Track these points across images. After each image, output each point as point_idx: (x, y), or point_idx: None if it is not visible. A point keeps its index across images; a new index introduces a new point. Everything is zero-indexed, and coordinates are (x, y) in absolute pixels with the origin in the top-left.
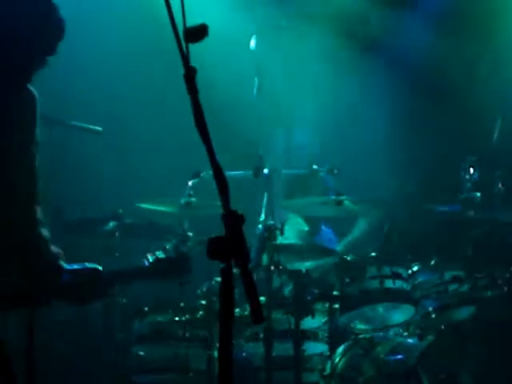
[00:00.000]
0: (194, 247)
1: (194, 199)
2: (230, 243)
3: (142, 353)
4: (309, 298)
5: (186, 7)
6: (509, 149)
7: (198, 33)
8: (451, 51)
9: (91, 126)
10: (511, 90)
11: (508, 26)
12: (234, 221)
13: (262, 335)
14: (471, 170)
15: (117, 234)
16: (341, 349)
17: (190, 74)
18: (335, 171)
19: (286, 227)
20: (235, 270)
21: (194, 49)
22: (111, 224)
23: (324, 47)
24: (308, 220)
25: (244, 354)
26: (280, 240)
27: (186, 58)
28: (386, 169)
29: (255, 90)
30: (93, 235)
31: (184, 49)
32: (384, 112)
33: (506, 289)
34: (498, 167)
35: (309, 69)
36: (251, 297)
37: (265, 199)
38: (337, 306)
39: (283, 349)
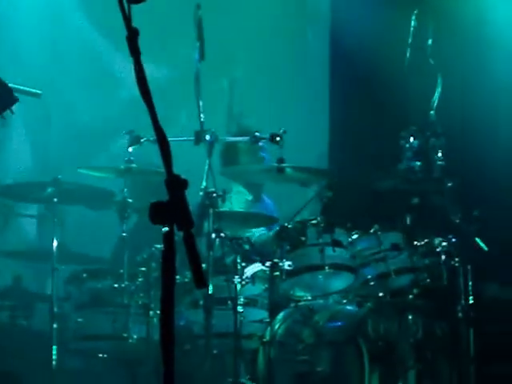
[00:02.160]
0: (134, 214)
1: (134, 165)
2: (173, 208)
3: (80, 320)
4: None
5: None
6: (449, 116)
7: None
8: (391, 21)
9: (30, 89)
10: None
11: None
12: (176, 185)
13: (201, 302)
14: (411, 139)
15: (55, 199)
16: (280, 316)
17: (132, 36)
18: (277, 139)
19: (228, 195)
20: (176, 237)
21: None
22: (49, 189)
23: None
24: (250, 188)
25: (183, 322)
26: (221, 207)
27: (128, 19)
28: (328, 138)
29: (197, 55)
30: (29, 200)
31: (126, 10)
32: (322, 81)
33: (443, 257)
34: (437, 136)
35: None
36: (193, 261)
37: (206, 166)
38: (277, 273)
39: (223, 316)
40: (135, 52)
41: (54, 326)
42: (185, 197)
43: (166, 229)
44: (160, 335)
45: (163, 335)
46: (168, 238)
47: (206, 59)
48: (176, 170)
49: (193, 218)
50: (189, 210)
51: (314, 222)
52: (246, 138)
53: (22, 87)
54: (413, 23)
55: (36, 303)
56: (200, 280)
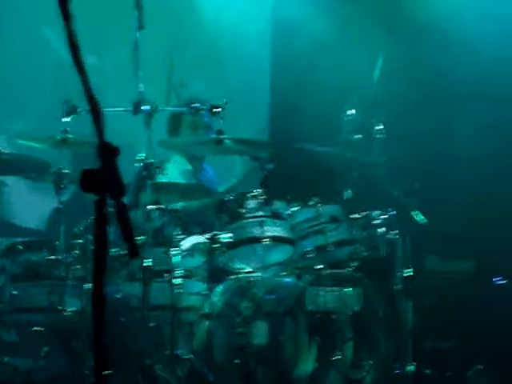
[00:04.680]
0: (71, 185)
1: (70, 135)
2: (104, 175)
3: (15, 292)
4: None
5: None
6: (390, 90)
7: None
8: None
9: None
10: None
11: None
12: (107, 152)
13: (139, 275)
14: (352, 112)
15: None
16: (219, 288)
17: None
18: (217, 110)
19: (168, 166)
20: (111, 209)
21: None
22: None
23: None
24: (191, 159)
25: (120, 294)
26: (160, 179)
27: None
28: (269, 111)
29: (137, 25)
30: None
31: None
32: (264, 53)
33: (382, 229)
34: (378, 108)
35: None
36: (125, 230)
37: (144, 137)
38: (216, 245)
39: (161, 288)
40: (67, 17)
41: None
42: (116, 165)
43: (97, 197)
44: (92, 307)
45: (94, 307)
46: (99, 207)
47: (147, 28)
48: (116, 141)
49: (130, 188)
50: (120, 178)
51: (253, 194)
52: (184, 109)
53: None
54: None
55: None
56: (132, 250)
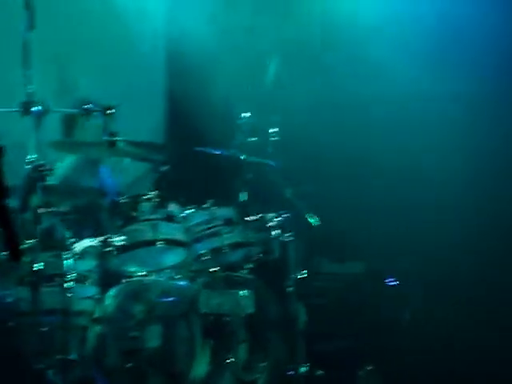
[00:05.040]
0: None
1: None
2: None
3: None
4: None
5: None
6: (284, 93)
7: None
8: None
9: None
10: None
11: None
12: None
13: (29, 279)
14: (246, 114)
15: None
16: (112, 292)
17: None
18: (110, 111)
19: (59, 167)
20: None
21: None
22: None
23: None
24: (86, 161)
25: (10, 299)
26: (51, 180)
27: None
28: (163, 112)
29: (27, 25)
30: None
31: None
32: (159, 54)
33: (276, 232)
34: (273, 112)
35: None
36: (8, 233)
37: (35, 138)
38: (109, 248)
39: (53, 293)
40: None
41: None
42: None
43: None
44: None
45: None
46: None
47: (38, 28)
48: (5, 142)
49: (20, 191)
50: (3, 179)
51: (147, 196)
52: (76, 110)
53: None
54: None
55: None
56: (14, 253)
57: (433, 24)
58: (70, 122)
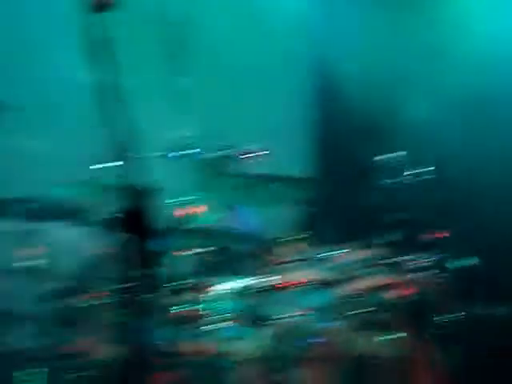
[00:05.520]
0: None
1: (108, 181)
2: (134, 217)
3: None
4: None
5: None
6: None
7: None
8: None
9: None
10: None
11: None
12: (137, 195)
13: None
14: (394, 155)
15: (34, 215)
16: (258, 333)
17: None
18: (260, 151)
19: (203, 211)
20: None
21: None
22: (29, 204)
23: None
24: (228, 203)
25: (155, 338)
26: (195, 223)
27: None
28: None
29: (181, 73)
30: (9, 216)
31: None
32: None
33: (429, 272)
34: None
35: None
36: (150, 271)
37: (179, 182)
38: (259, 289)
39: (196, 333)
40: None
41: None
42: (146, 207)
43: (127, 236)
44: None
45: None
46: (130, 246)
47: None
48: (150, 185)
49: (163, 233)
50: (150, 220)
51: (298, 236)
52: (227, 152)
53: None
54: None
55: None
56: (160, 287)
57: None
58: (215, 166)
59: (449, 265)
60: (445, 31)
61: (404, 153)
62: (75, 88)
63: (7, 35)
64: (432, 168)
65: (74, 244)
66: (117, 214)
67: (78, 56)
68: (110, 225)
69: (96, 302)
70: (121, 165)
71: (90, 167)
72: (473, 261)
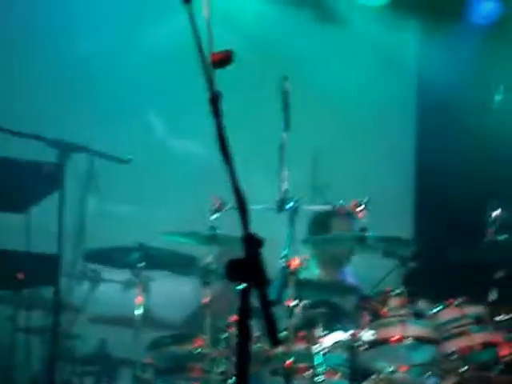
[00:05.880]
0: (216, 280)
1: (217, 232)
2: (249, 265)
3: None
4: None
5: None
6: None
7: (224, 60)
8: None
9: (119, 156)
10: None
11: None
12: (252, 243)
13: (281, 371)
14: (497, 212)
15: (141, 264)
16: None
17: (215, 98)
18: (360, 207)
19: (310, 263)
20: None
21: None
22: (135, 254)
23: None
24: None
25: None
26: (303, 275)
27: (211, 81)
28: (413, 207)
29: (284, 126)
30: (116, 265)
31: (210, 73)
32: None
33: None
34: None
35: None
36: (267, 318)
37: (288, 234)
38: (358, 343)
39: None
40: (217, 115)
41: None
42: (261, 255)
43: (241, 286)
44: None
45: None
46: (243, 295)
47: (291, 129)
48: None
49: (274, 284)
50: (264, 268)
51: (396, 292)
52: (328, 207)
53: (110, 154)
54: None
55: (120, 368)
56: (273, 338)
57: None
58: (322, 219)
59: None
60: None
61: (499, 212)
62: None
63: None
64: None
65: (183, 294)
66: (232, 263)
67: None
68: (224, 274)
69: (203, 350)
70: (232, 216)
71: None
72: None
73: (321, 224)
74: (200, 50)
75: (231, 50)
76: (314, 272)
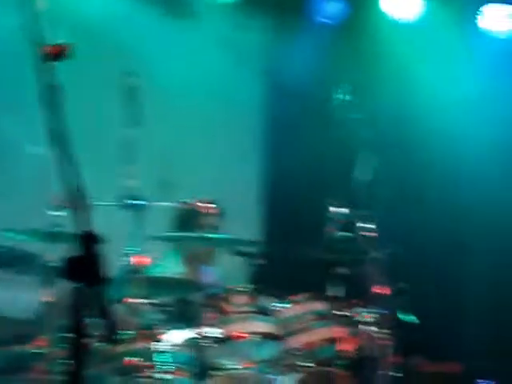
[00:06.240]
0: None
1: (59, 229)
2: (85, 262)
3: None
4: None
5: None
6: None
7: (58, 53)
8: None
9: None
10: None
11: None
12: (90, 240)
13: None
14: (336, 209)
15: None
16: None
17: (52, 93)
18: (210, 207)
19: (157, 260)
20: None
21: None
22: None
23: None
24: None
25: None
26: (148, 272)
27: (47, 76)
28: (255, 207)
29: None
30: None
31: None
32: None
33: (369, 328)
34: (368, 207)
35: None
36: (104, 316)
37: (134, 231)
38: (203, 340)
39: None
40: (55, 110)
41: None
42: (98, 252)
43: (76, 284)
44: None
45: None
46: (77, 294)
47: (140, 125)
48: (105, 234)
49: (118, 281)
50: (101, 266)
51: (241, 289)
52: (176, 205)
53: None
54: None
55: None
56: (111, 337)
57: None
58: (185, 217)
59: (391, 320)
60: None
61: (344, 211)
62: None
63: None
64: (372, 227)
65: (23, 291)
66: (66, 262)
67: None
68: (59, 272)
69: (44, 350)
70: (70, 213)
71: (42, 215)
72: (414, 317)
73: (183, 222)
74: (36, 43)
75: (67, 44)
76: (177, 270)
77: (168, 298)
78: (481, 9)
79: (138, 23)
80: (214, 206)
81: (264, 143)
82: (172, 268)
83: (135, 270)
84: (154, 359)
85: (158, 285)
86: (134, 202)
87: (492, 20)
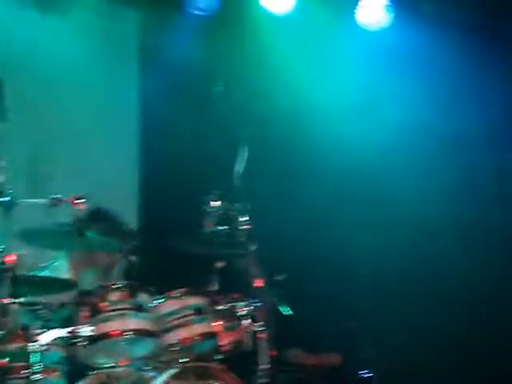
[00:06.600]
0: None
1: None
2: None
3: None
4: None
5: None
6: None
7: None
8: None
9: None
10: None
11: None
12: None
13: None
14: (215, 203)
15: None
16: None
17: None
18: (80, 202)
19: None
20: None
21: None
22: None
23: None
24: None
25: None
26: (20, 271)
27: None
28: (131, 201)
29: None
30: None
31: None
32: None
33: (246, 321)
34: (242, 200)
35: None
36: None
37: (2, 229)
38: (77, 340)
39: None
40: None
41: None
42: None
43: None
44: None
45: None
46: None
47: (7, 119)
48: None
49: None
50: None
51: (116, 286)
52: (45, 201)
53: None
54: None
55: None
56: None
57: None
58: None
59: (267, 313)
60: None
61: (220, 205)
62: None
63: None
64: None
65: None
66: None
67: None
68: None
69: None
70: None
71: None
72: (289, 309)
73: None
74: None
75: None
76: (62, 273)
77: (41, 298)
78: (358, 1)
79: (10, 17)
80: (82, 200)
81: (141, 137)
82: (57, 271)
83: (4, 269)
84: (27, 360)
85: (27, 283)
86: (1, 198)
87: (369, 13)
